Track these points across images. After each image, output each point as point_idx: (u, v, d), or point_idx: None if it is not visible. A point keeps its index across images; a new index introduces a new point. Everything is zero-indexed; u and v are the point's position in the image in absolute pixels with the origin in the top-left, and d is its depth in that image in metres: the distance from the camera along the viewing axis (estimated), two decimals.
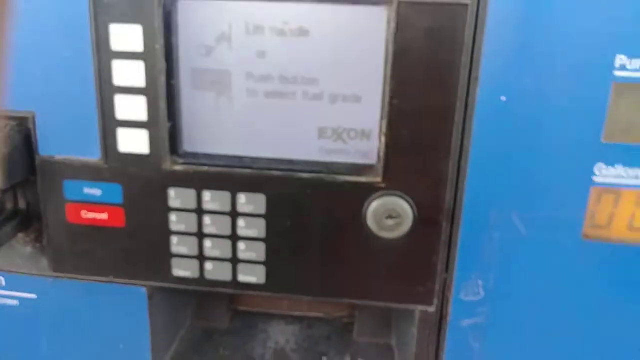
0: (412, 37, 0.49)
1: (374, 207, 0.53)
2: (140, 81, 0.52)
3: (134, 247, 0.58)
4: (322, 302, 0.72)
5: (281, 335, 0.70)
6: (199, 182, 0.55)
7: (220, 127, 0.55)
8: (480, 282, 0.55)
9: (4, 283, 0.62)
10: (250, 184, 0.55)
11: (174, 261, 0.58)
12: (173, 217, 0.56)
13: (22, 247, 0.62)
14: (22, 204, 0.64)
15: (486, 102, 0.50)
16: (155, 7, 0.50)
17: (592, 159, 0.50)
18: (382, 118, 0.52)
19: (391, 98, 0.51)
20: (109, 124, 0.54)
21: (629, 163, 0.50)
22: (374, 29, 0.50)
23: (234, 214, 0.56)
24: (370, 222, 0.54)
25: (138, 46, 0.51)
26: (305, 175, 0.54)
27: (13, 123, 0.55)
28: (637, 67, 0.47)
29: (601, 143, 0.50)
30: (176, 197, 0.56)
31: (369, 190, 0.53)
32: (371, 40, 0.51)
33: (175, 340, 0.69)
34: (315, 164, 0.54)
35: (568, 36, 0.47)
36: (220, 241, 0.57)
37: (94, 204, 0.57)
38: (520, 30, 0.48)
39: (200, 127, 0.55)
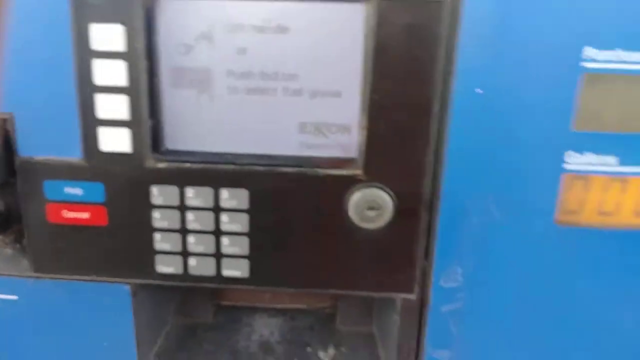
0: (391, 33, 0.50)
1: (355, 199, 0.54)
2: (121, 80, 0.53)
3: (117, 245, 0.58)
4: (304, 293, 0.74)
5: (265, 328, 0.71)
6: (182, 179, 0.56)
7: (202, 124, 0.56)
8: (458, 269, 0.57)
9: None
10: (233, 180, 0.55)
11: (158, 258, 0.58)
12: (156, 214, 0.57)
13: (1, 248, 0.62)
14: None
15: (462, 95, 0.51)
16: (136, 7, 0.50)
17: (563, 147, 0.52)
18: (362, 112, 0.53)
19: (371, 92, 0.52)
20: (90, 124, 0.54)
21: (598, 150, 0.52)
22: (352, 25, 0.51)
23: (217, 210, 0.56)
24: (352, 213, 0.55)
25: (119, 45, 0.52)
26: (287, 170, 0.55)
27: None
28: (606, 59, 0.50)
29: (571, 132, 0.52)
30: (159, 194, 0.56)
31: (350, 183, 0.55)
32: (350, 37, 0.52)
33: (160, 336, 0.69)
34: (296, 159, 0.55)
35: (539, 30, 0.49)
36: (203, 237, 0.57)
37: (75, 204, 0.57)
38: (493, 25, 0.49)
39: (182, 124, 0.56)
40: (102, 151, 0.55)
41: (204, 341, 0.69)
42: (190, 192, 0.56)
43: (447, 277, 0.57)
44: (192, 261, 0.58)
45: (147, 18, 0.51)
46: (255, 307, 0.74)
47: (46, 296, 0.61)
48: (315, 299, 0.75)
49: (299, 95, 0.54)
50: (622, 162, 0.53)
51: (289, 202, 0.56)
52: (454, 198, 0.54)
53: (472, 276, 0.57)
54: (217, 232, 0.57)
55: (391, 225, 0.55)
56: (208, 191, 0.56)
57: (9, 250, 0.62)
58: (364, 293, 0.59)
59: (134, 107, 0.53)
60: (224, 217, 0.57)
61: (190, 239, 0.57)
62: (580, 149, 0.53)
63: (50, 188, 0.56)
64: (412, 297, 0.58)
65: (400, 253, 0.57)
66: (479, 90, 0.51)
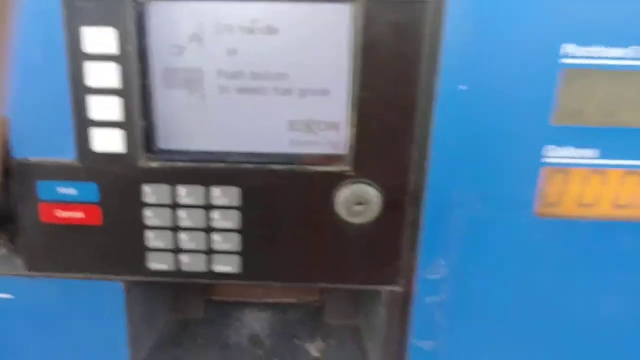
0: (377, 33, 0.52)
1: (344, 195, 0.56)
2: (114, 82, 0.54)
3: (111, 243, 0.59)
4: (294, 288, 0.75)
5: (255, 322, 0.73)
6: (174, 178, 0.57)
7: (194, 124, 0.57)
8: (443, 262, 0.59)
9: None
10: (224, 178, 0.57)
11: (151, 255, 0.59)
12: (149, 212, 0.58)
13: None
14: None
15: (447, 92, 0.53)
16: (128, 10, 0.51)
17: (544, 141, 0.55)
18: (350, 110, 0.54)
19: (358, 91, 0.54)
20: (84, 125, 0.55)
21: (577, 144, 0.55)
22: (339, 25, 0.53)
23: (209, 207, 0.58)
24: (341, 209, 0.57)
25: (111, 48, 0.53)
26: (277, 167, 0.56)
27: None
28: (584, 55, 0.52)
29: (552, 126, 0.54)
30: (152, 193, 0.57)
31: (339, 179, 0.56)
32: (337, 37, 0.53)
33: (153, 332, 0.71)
34: (287, 156, 0.57)
35: (520, 28, 0.51)
36: (195, 234, 0.59)
37: (69, 203, 0.58)
38: (476, 24, 0.51)
39: (175, 124, 0.57)
40: (96, 152, 0.56)
41: (197, 336, 0.70)
42: (182, 190, 0.57)
43: (432, 269, 0.59)
44: (184, 258, 0.60)
45: (138, 21, 0.52)
46: (246, 302, 0.76)
47: (41, 295, 0.62)
48: (304, 293, 0.77)
49: (288, 94, 0.56)
50: (601, 156, 0.55)
51: (279, 198, 0.57)
52: (439, 193, 0.56)
53: (456, 268, 0.59)
54: (209, 230, 0.58)
55: (378, 219, 0.57)
56: (200, 189, 0.57)
57: (3, 250, 0.62)
58: (352, 286, 0.61)
59: (127, 109, 0.54)
60: (216, 215, 0.58)
61: (183, 236, 0.59)
62: (560, 143, 0.55)
63: (43, 188, 0.57)
64: (398, 289, 0.60)
65: (387, 247, 0.59)
66: (462, 87, 0.53)
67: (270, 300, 0.76)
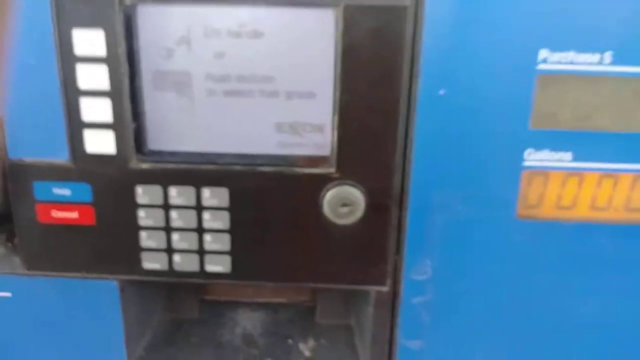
0: (358, 38, 0.53)
1: (330, 196, 0.57)
2: (104, 84, 0.55)
3: (105, 243, 0.61)
4: (285, 288, 0.76)
5: (248, 322, 0.74)
6: (165, 178, 0.58)
7: (183, 126, 0.58)
8: (428, 262, 0.59)
9: None
10: (214, 179, 0.58)
11: (144, 255, 0.61)
12: (141, 213, 0.59)
13: None
14: None
15: (426, 96, 0.54)
16: (116, 12, 0.53)
17: (522, 144, 0.55)
18: (333, 113, 0.56)
19: (341, 94, 0.55)
20: (76, 126, 0.57)
21: (554, 147, 0.55)
22: (323, 30, 0.54)
23: (199, 208, 0.59)
24: (326, 210, 0.58)
25: (101, 50, 0.54)
26: (265, 169, 0.57)
27: None
28: (558, 60, 0.52)
29: (529, 130, 0.55)
30: (144, 194, 0.59)
31: (325, 181, 0.57)
32: (322, 41, 0.54)
33: (148, 331, 0.72)
34: (274, 158, 0.58)
35: (497, 34, 0.52)
36: (187, 234, 0.60)
37: (63, 204, 0.59)
38: (454, 29, 0.52)
39: (164, 126, 0.58)
40: (88, 153, 0.58)
41: (190, 335, 0.72)
42: (173, 191, 0.59)
43: (418, 270, 0.60)
44: (176, 258, 0.61)
45: (127, 23, 0.54)
46: (239, 301, 0.77)
47: (38, 293, 0.64)
48: (295, 293, 0.78)
49: (275, 96, 0.57)
50: (577, 159, 0.56)
51: (267, 199, 0.59)
52: (422, 194, 0.57)
53: (441, 269, 0.60)
54: (200, 230, 0.60)
55: (363, 220, 0.58)
56: (190, 190, 0.58)
57: (1, 249, 0.65)
58: (340, 286, 0.62)
59: (117, 110, 0.56)
60: (206, 215, 0.59)
61: (175, 236, 0.60)
62: (538, 146, 0.55)
63: (40, 189, 0.59)
64: (385, 289, 0.61)
65: (373, 247, 0.59)
66: (442, 92, 0.54)
67: (262, 300, 0.77)
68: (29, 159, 0.58)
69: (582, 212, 0.57)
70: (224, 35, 0.55)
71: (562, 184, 0.56)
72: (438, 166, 0.56)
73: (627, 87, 0.53)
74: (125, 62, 0.55)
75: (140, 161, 0.58)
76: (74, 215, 0.60)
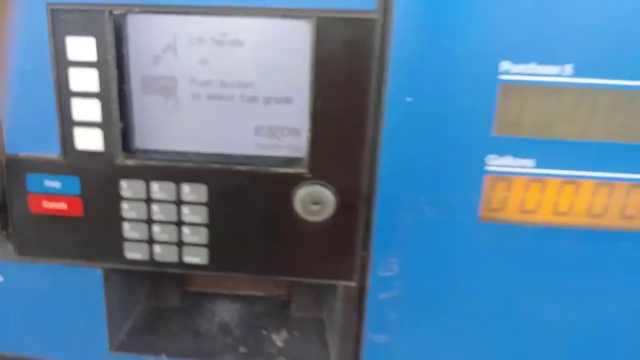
0: (330, 47, 0.56)
1: (301, 195, 0.60)
2: (94, 86, 0.59)
3: (91, 233, 0.65)
4: (263, 282, 0.80)
5: (226, 312, 0.77)
6: (148, 174, 0.62)
7: (168, 127, 0.62)
8: (394, 259, 0.63)
9: None
10: (193, 176, 0.62)
11: (127, 245, 0.65)
12: (125, 205, 0.63)
13: None
14: None
15: (394, 102, 0.57)
16: (106, 21, 0.57)
17: (485, 150, 0.58)
18: (307, 117, 0.59)
19: (314, 100, 0.58)
20: (67, 124, 0.61)
21: (517, 154, 0.58)
22: (300, 40, 0.57)
23: (179, 203, 0.63)
24: (298, 207, 0.61)
25: (92, 56, 0.58)
26: (241, 167, 0.61)
27: None
28: (520, 71, 0.55)
29: (492, 137, 0.57)
30: (128, 188, 0.62)
31: (297, 180, 0.61)
32: (298, 50, 0.58)
33: (130, 318, 0.76)
34: (250, 158, 0.62)
35: (461, 46, 0.55)
36: (167, 227, 0.64)
37: (54, 195, 0.63)
38: (421, 40, 0.55)
39: (150, 126, 0.62)
40: (78, 149, 0.62)
41: (171, 323, 0.75)
42: (155, 186, 0.62)
43: (384, 266, 0.63)
44: (157, 248, 0.65)
45: (116, 32, 0.58)
46: (219, 293, 0.81)
47: (28, 278, 0.68)
48: (273, 287, 0.81)
49: (254, 101, 0.61)
50: (540, 165, 0.58)
51: (243, 196, 0.62)
52: (389, 195, 0.60)
53: (407, 266, 0.63)
54: (179, 223, 0.63)
55: (333, 218, 0.61)
56: (171, 186, 0.62)
57: None
58: (310, 280, 0.65)
59: (105, 111, 0.60)
60: (185, 210, 0.63)
61: (155, 228, 0.64)
62: (501, 153, 0.58)
63: (32, 181, 0.63)
64: (353, 284, 0.64)
65: (342, 244, 0.63)
66: (408, 99, 0.57)
67: (241, 293, 0.81)
68: (23, 153, 0.62)
69: (545, 216, 0.60)
70: (207, 43, 0.59)
71: (525, 189, 0.59)
72: (405, 169, 0.59)
73: (587, 98, 0.56)
74: (114, 67, 0.59)
75: (126, 158, 0.62)
76: (63, 206, 0.64)
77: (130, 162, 0.62)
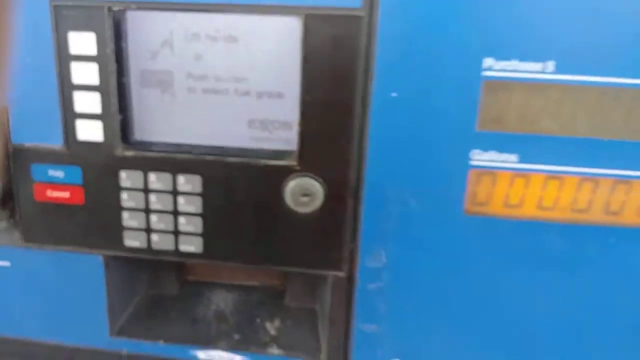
0: (318, 43, 0.58)
1: (291, 187, 0.62)
2: (94, 80, 0.62)
3: (92, 221, 0.67)
4: (259, 272, 0.82)
5: (222, 301, 0.79)
6: (146, 165, 0.64)
7: (165, 119, 0.65)
8: (382, 251, 0.64)
9: None
10: (188, 167, 0.64)
11: (126, 233, 0.67)
12: (124, 195, 0.66)
13: None
14: None
15: (380, 98, 0.58)
16: (106, 17, 0.59)
17: (469, 145, 0.59)
18: (298, 111, 0.61)
19: (304, 94, 0.60)
20: (69, 116, 0.64)
21: (500, 149, 0.59)
22: (290, 36, 0.59)
23: (175, 193, 0.65)
24: (288, 199, 0.63)
25: (92, 50, 0.61)
26: (234, 160, 0.63)
27: None
28: (502, 68, 0.56)
29: (476, 132, 0.59)
30: (127, 178, 0.65)
31: (287, 172, 0.62)
32: (289, 45, 0.60)
33: (131, 305, 0.78)
34: (242, 150, 0.64)
35: (446, 42, 0.56)
36: (164, 216, 0.66)
37: (57, 184, 0.66)
38: (406, 37, 0.56)
39: (148, 118, 0.65)
40: (79, 140, 0.64)
41: (170, 310, 0.78)
42: (152, 177, 0.65)
43: (372, 257, 0.65)
44: (154, 237, 0.67)
45: (115, 27, 0.60)
46: (216, 282, 0.83)
47: (33, 263, 0.71)
48: (267, 277, 0.83)
49: (247, 95, 0.63)
50: (522, 160, 0.59)
51: (236, 187, 0.64)
52: (376, 188, 0.62)
53: (394, 258, 0.64)
54: (175, 212, 0.66)
55: (322, 210, 0.63)
56: (167, 177, 0.64)
57: (4, 223, 0.72)
58: (300, 269, 0.67)
59: (105, 103, 0.62)
60: (181, 200, 0.65)
61: (153, 217, 0.66)
62: (484, 147, 0.59)
63: (37, 170, 0.66)
64: (341, 274, 0.66)
65: (330, 235, 0.64)
66: (394, 94, 0.59)
67: (237, 283, 0.83)
68: (28, 143, 0.66)
69: (530, 210, 0.61)
70: (202, 39, 0.62)
71: (509, 184, 0.60)
72: (391, 162, 0.60)
73: (569, 94, 0.57)
74: (114, 61, 0.61)
75: (125, 149, 0.64)
76: (66, 195, 0.67)
77: (129, 153, 0.64)
